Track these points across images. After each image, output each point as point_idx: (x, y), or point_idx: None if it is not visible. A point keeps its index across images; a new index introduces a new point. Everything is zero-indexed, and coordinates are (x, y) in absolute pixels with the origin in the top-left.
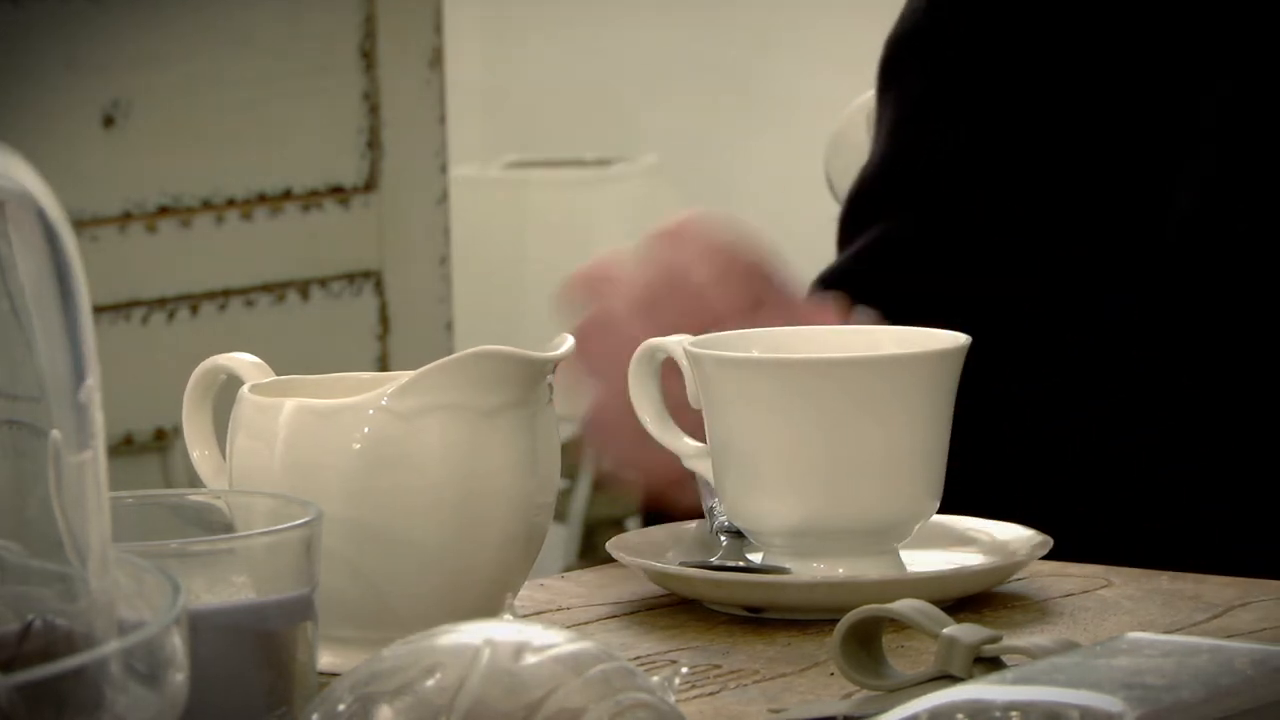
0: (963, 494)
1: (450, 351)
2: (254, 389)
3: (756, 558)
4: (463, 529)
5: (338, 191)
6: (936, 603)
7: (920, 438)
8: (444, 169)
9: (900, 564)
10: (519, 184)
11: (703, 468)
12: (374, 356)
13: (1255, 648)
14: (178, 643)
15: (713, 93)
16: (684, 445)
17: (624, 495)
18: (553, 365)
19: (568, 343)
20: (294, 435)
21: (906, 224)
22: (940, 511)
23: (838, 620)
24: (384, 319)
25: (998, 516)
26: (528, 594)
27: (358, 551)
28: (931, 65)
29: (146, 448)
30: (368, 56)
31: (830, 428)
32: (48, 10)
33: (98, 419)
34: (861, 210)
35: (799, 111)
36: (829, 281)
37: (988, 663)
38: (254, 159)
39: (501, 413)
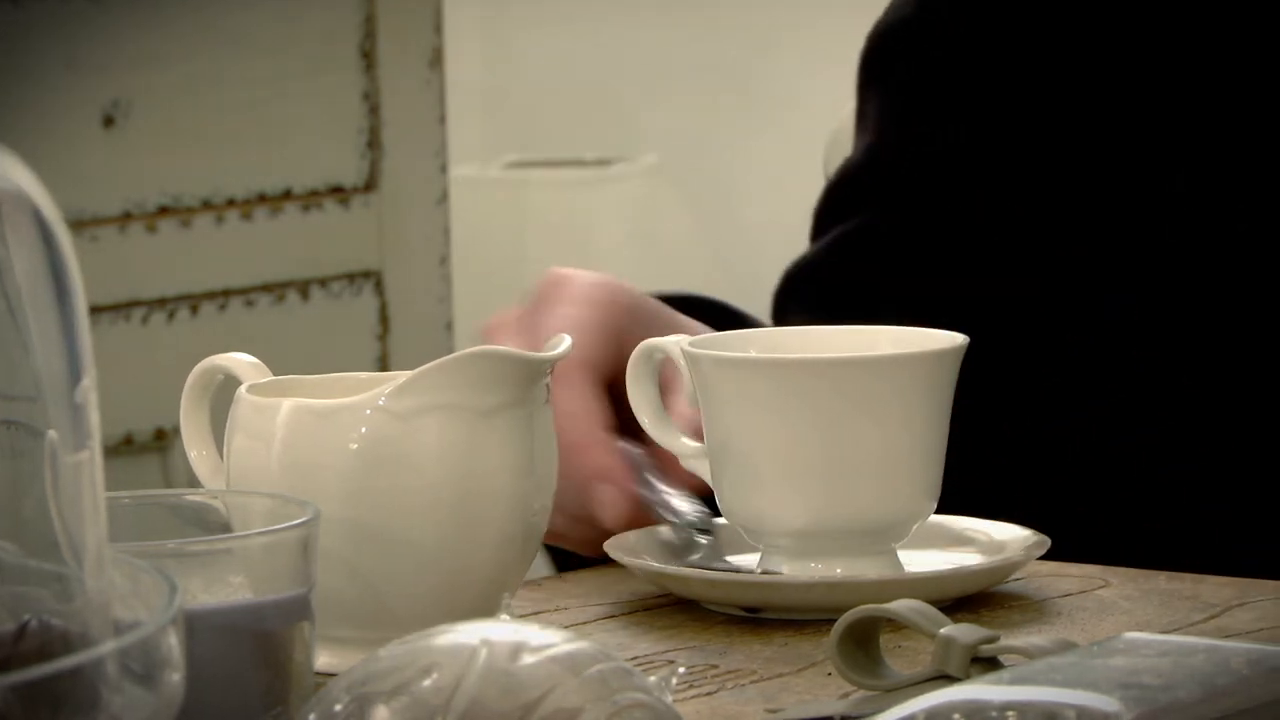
0: (961, 494)
1: (450, 351)
2: (251, 389)
3: (740, 559)
4: (460, 529)
5: (338, 191)
6: (934, 603)
7: (918, 438)
8: (444, 169)
9: (898, 564)
10: (519, 184)
11: (700, 468)
12: (374, 356)
13: (1252, 648)
14: (174, 643)
15: (713, 93)
16: (682, 445)
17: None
18: (550, 365)
19: (564, 343)
20: (291, 435)
21: (888, 217)
22: (938, 511)
23: (835, 620)
24: (384, 319)
25: (996, 516)
26: (525, 594)
27: (355, 551)
28: (920, 60)
29: (146, 448)
30: (368, 56)
31: (828, 428)
32: (48, 10)
33: (94, 419)
34: (841, 201)
35: (799, 111)
36: (801, 270)
37: (985, 663)
38: (254, 159)
39: (499, 413)
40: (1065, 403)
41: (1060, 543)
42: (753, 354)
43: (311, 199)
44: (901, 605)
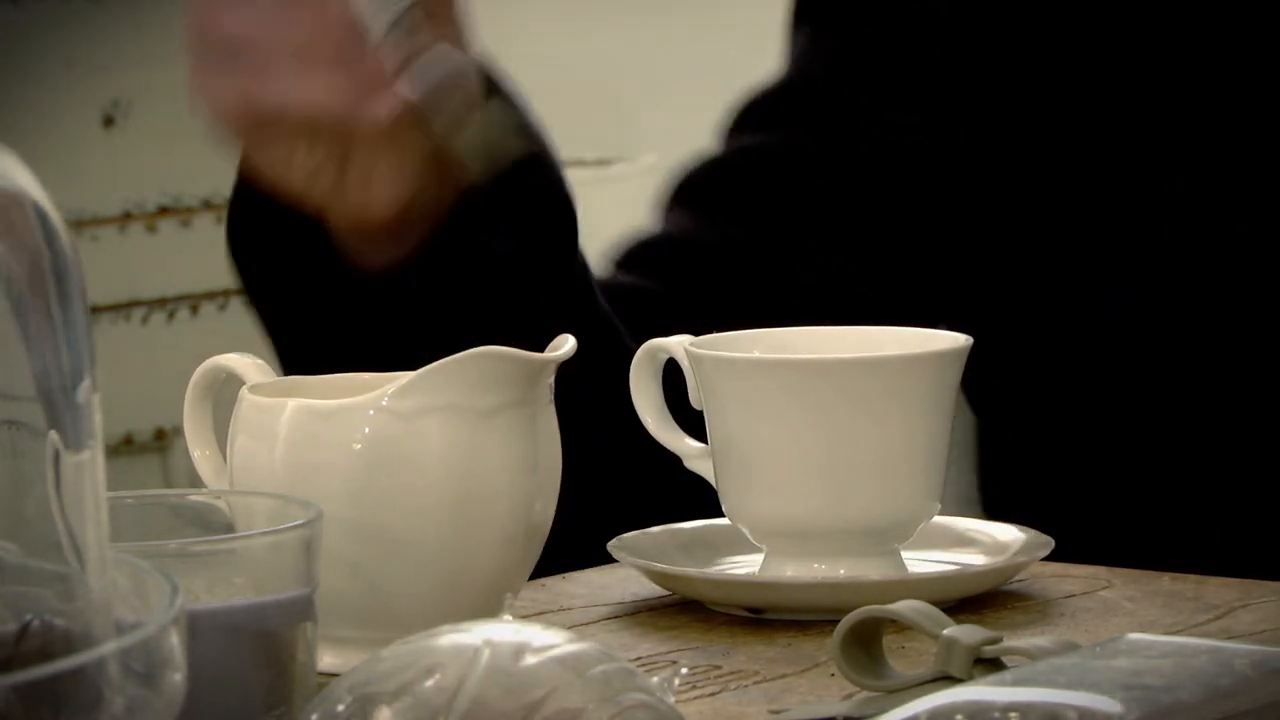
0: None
1: None
2: (254, 389)
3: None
4: (462, 529)
5: None
6: (937, 603)
7: (921, 438)
8: None
9: (901, 565)
10: None
11: (704, 468)
12: None
13: (1255, 649)
14: (175, 643)
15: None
16: (686, 446)
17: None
18: (553, 366)
19: (568, 344)
20: (294, 435)
21: (811, 140)
22: (941, 513)
23: (838, 621)
24: None
25: (997, 517)
26: (527, 594)
27: (358, 552)
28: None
29: (146, 448)
30: None
31: (831, 428)
32: (48, 10)
33: (96, 419)
34: (756, 115)
35: None
36: (704, 168)
37: (988, 664)
38: None
39: (501, 413)
40: (1065, 403)
41: (1061, 543)
42: (756, 354)
43: None
44: (904, 606)
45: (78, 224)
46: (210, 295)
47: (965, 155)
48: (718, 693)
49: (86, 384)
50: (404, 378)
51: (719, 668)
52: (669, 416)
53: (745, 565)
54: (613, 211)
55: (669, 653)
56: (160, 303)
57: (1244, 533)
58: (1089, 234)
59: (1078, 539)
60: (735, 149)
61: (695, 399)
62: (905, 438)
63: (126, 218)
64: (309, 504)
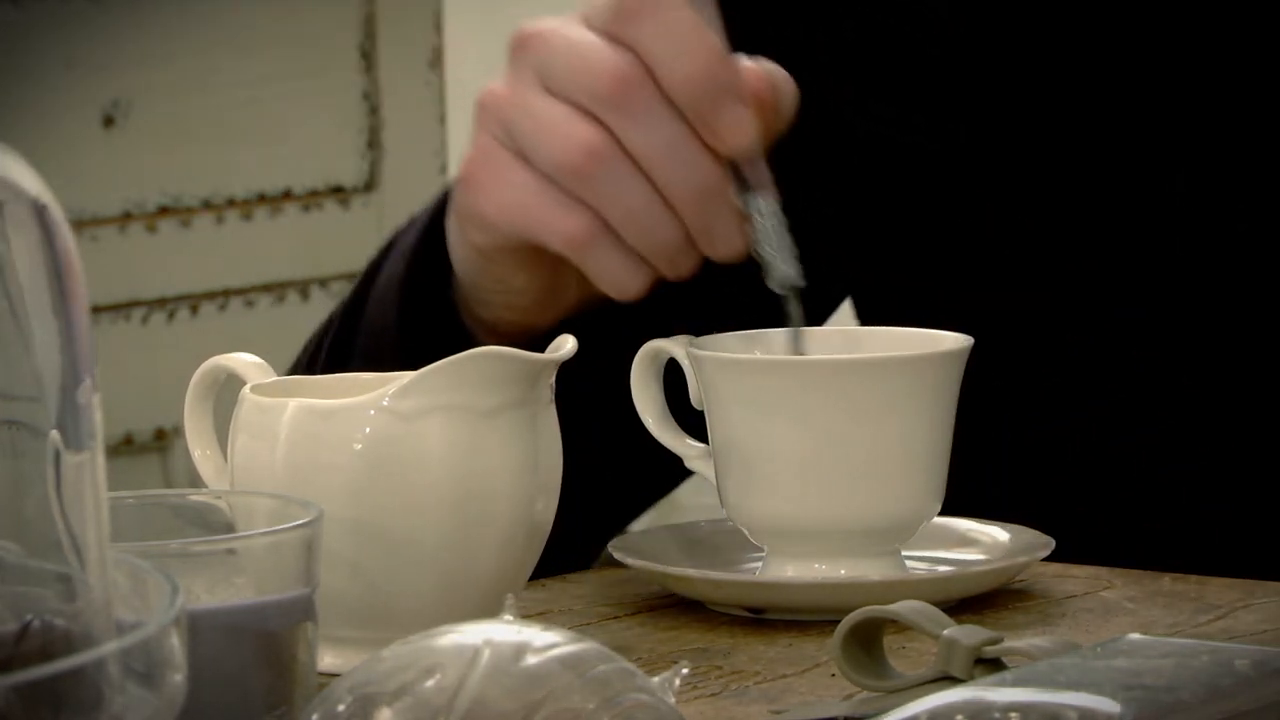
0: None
1: None
2: (255, 389)
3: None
4: (463, 529)
5: (338, 191)
6: (937, 604)
7: (922, 439)
8: (444, 169)
9: (902, 565)
10: None
11: (705, 468)
12: None
13: (1256, 649)
14: (175, 643)
15: None
16: (687, 447)
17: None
18: (553, 366)
19: (568, 344)
20: (295, 435)
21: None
22: (942, 513)
23: (839, 621)
24: None
25: (997, 517)
26: (528, 594)
27: (358, 552)
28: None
29: (146, 448)
30: (368, 56)
31: (832, 429)
32: (48, 10)
33: (96, 419)
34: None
35: None
36: None
37: (988, 664)
38: (254, 159)
39: (502, 413)
40: (1065, 403)
41: (1061, 543)
42: (757, 355)
43: (311, 199)
44: (905, 606)
45: (78, 224)
46: (210, 295)
47: (965, 155)
48: (718, 693)
49: (86, 384)
50: (404, 378)
51: (720, 668)
52: (670, 417)
53: (746, 565)
54: None
55: (669, 653)
56: (160, 303)
57: (1244, 533)
58: (1088, 235)
59: (1078, 539)
60: None
61: (696, 399)
62: (906, 438)
63: (126, 218)
64: (309, 504)
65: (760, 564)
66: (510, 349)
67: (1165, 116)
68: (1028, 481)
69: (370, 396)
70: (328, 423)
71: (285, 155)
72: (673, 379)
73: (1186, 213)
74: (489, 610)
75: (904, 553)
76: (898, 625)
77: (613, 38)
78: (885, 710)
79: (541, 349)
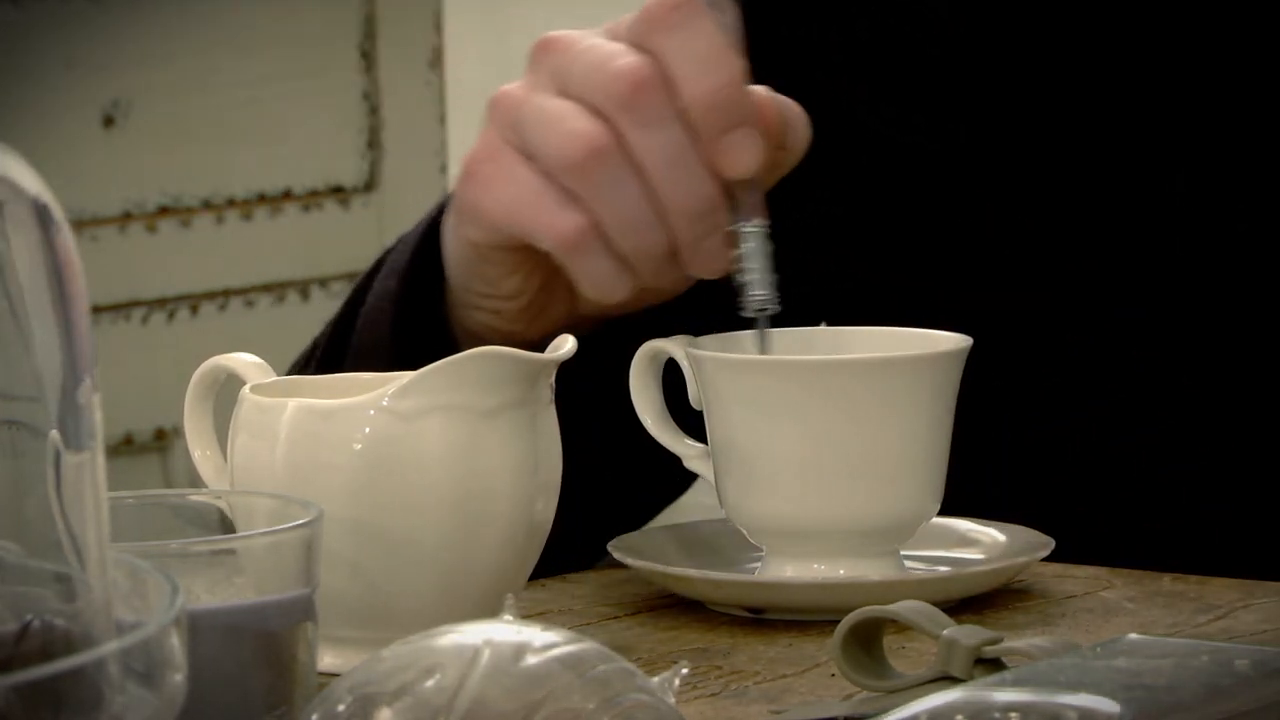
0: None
1: None
2: (255, 389)
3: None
4: (463, 529)
5: (338, 191)
6: (937, 604)
7: (921, 439)
8: (444, 169)
9: (901, 565)
10: None
11: (704, 468)
12: None
13: (1255, 649)
14: (175, 643)
15: None
16: (686, 446)
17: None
18: (553, 366)
19: (568, 344)
20: (295, 435)
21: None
22: (941, 513)
23: (838, 621)
24: None
25: (997, 518)
26: (528, 595)
27: (358, 552)
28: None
29: (146, 448)
30: (368, 56)
31: (831, 428)
32: (48, 10)
33: (96, 419)
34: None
35: None
36: None
37: (988, 664)
38: (254, 159)
39: (501, 413)
40: (1065, 403)
41: (1061, 543)
42: (757, 355)
43: (311, 199)
44: (905, 606)
45: (78, 224)
46: (210, 295)
47: (965, 155)
48: (718, 693)
49: (86, 384)
50: (404, 377)
51: (719, 668)
52: (669, 417)
53: (746, 565)
54: None
55: (669, 653)
56: (160, 303)
57: (1244, 533)
58: (1087, 235)
59: (1078, 539)
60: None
61: (695, 399)
62: (905, 438)
63: (126, 218)
64: (309, 504)
65: (760, 564)
66: (510, 349)
67: (1165, 116)
68: (1027, 482)
69: (370, 396)
70: (328, 423)
71: (285, 155)
72: (673, 379)
73: (1186, 213)
74: (489, 610)
75: (903, 553)
76: (898, 625)
77: (637, 46)
78: (885, 710)
79: (541, 349)
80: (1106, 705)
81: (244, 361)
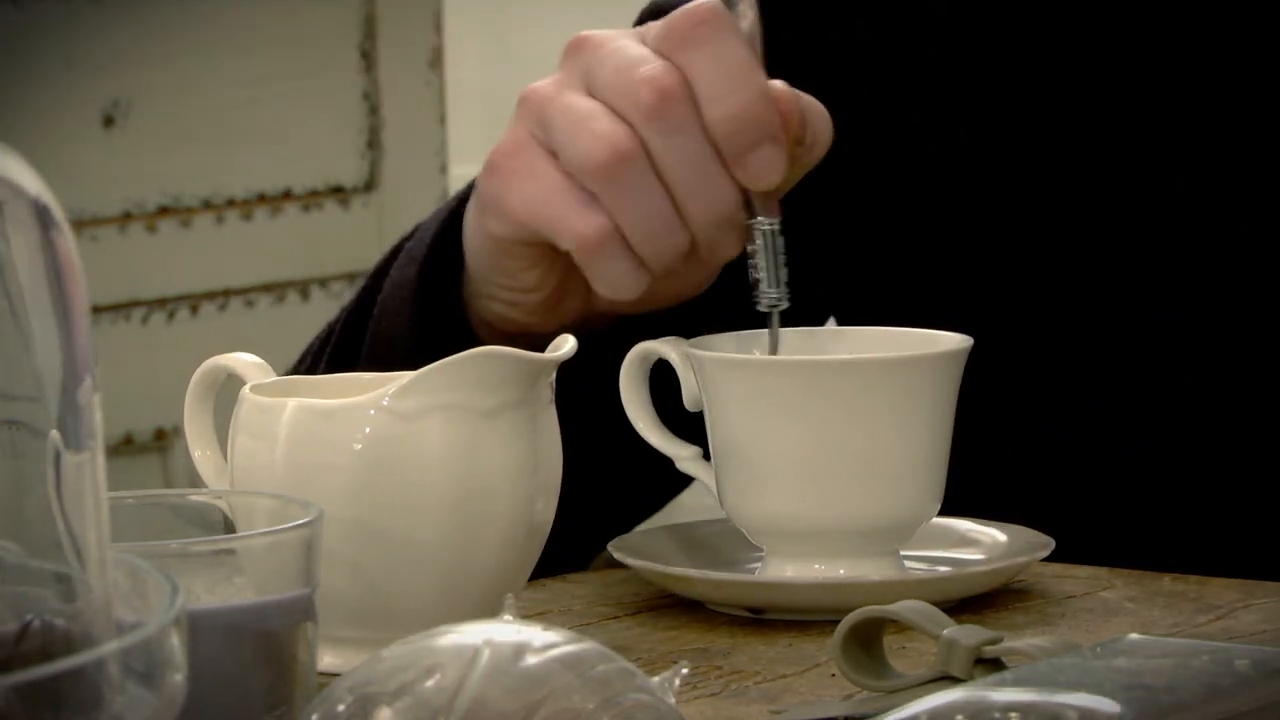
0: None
1: None
2: (255, 389)
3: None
4: (463, 529)
5: (338, 191)
6: (937, 603)
7: (922, 439)
8: (444, 169)
9: (901, 565)
10: None
11: (697, 470)
12: None
13: (1256, 649)
14: (176, 643)
15: None
16: (679, 448)
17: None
18: (553, 366)
19: (568, 344)
20: (295, 435)
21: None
22: (941, 513)
23: (838, 621)
24: None
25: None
26: (528, 594)
27: (358, 552)
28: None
29: (146, 448)
30: (368, 56)
31: (831, 429)
32: (48, 10)
33: (96, 419)
34: None
35: None
36: None
37: (988, 664)
38: (254, 159)
39: (502, 413)
40: (1066, 404)
41: (1061, 544)
42: (757, 355)
43: (311, 199)
44: (905, 606)
45: (78, 224)
46: (210, 295)
47: (965, 156)
48: (718, 693)
49: (86, 384)
50: (404, 377)
51: (720, 668)
52: (657, 419)
53: (746, 565)
54: None
55: (669, 653)
56: (160, 303)
57: (1245, 536)
58: (1087, 235)
59: (1078, 540)
60: None
61: (689, 401)
62: (905, 438)
63: (126, 218)
64: (309, 504)
65: (760, 564)
66: (510, 349)
67: (1165, 117)
68: (1028, 482)
69: (370, 396)
70: (328, 423)
71: (285, 155)
72: (672, 380)
73: (1186, 213)
74: (489, 610)
75: (903, 553)
76: (898, 625)
77: (664, 57)
78: (885, 710)
79: (541, 349)
80: (1106, 705)
81: (244, 361)
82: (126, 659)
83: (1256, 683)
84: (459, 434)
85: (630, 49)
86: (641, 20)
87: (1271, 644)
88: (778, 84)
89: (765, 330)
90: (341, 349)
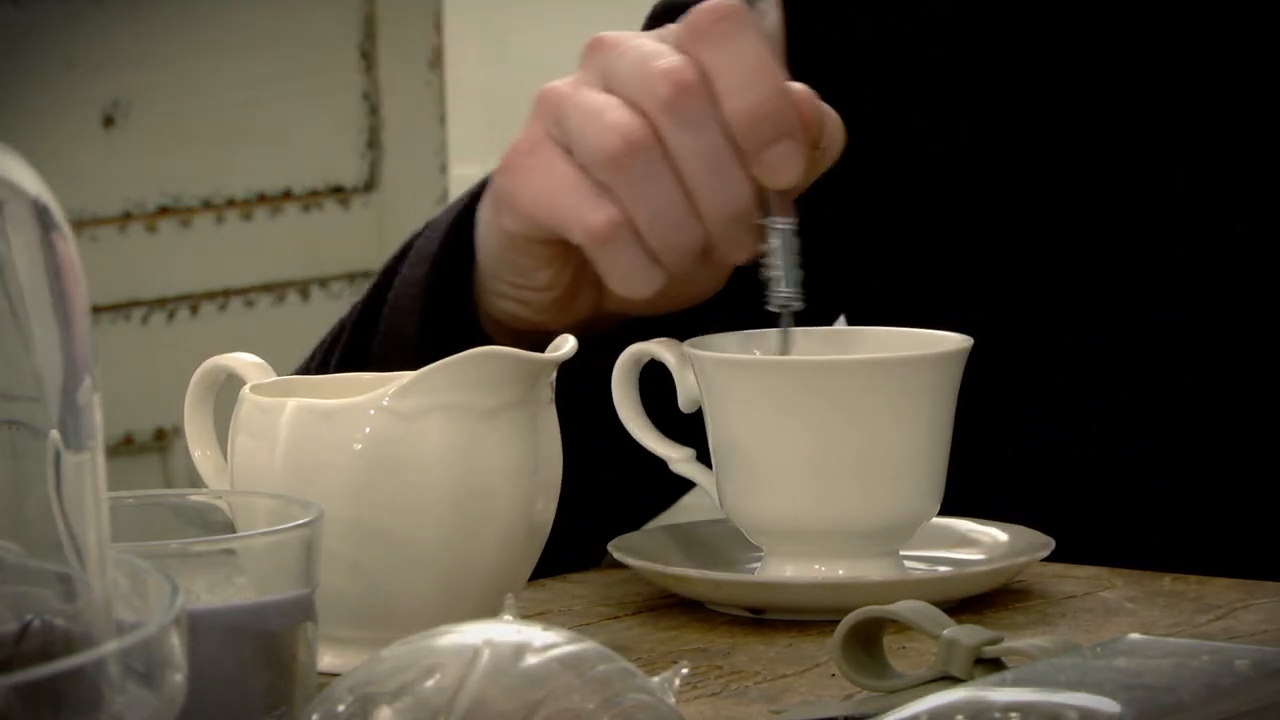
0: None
1: None
2: (255, 389)
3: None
4: (463, 529)
5: (338, 191)
6: (937, 603)
7: (922, 439)
8: (444, 169)
9: (901, 565)
10: None
11: (691, 471)
12: None
13: (1256, 649)
14: (176, 643)
15: None
16: (672, 450)
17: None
18: (553, 366)
19: (568, 344)
20: (295, 435)
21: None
22: (941, 513)
23: (838, 621)
24: None
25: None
26: (528, 594)
27: (358, 552)
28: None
29: (146, 448)
30: (368, 56)
31: (831, 429)
32: (48, 10)
33: (96, 419)
34: None
35: None
36: None
37: (988, 664)
38: (254, 159)
39: (502, 413)
40: (1067, 403)
41: (1061, 545)
42: (756, 355)
43: (311, 199)
44: (905, 606)
45: (78, 224)
46: (210, 295)
47: (965, 156)
48: (718, 693)
49: (86, 384)
50: (404, 377)
51: (720, 668)
52: (648, 421)
53: (746, 565)
54: None
55: (669, 653)
56: (160, 303)
57: (1242, 546)
58: (1087, 235)
59: (1075, 552)
60: None
61: (685, 402)
62: (905, 438)
63: (126, 218)
64: (309, 504)
65: (760, 564)
66: (510, 349)
67: (1165, 117)
68: (1028, 483)
69: (370, 396)
70: (328, 423)
71: (285, 155)
72: (669, 381)
73: (1186, 213)
74: (489, 610)
75: (903, 553)
76: (897, 625)
77: (683, 52)
78: (885, 710)
79: (542, 349)
80: (1106, 705)
81: (244, 361)
82: (126, 659)
83: (1256, 683)
84: (459, 434)
85: (649, 45)
86: (651, 20)
87: (1271, 644)
88: (798, 86)
89: (766, 330)
90: (352, 347)
